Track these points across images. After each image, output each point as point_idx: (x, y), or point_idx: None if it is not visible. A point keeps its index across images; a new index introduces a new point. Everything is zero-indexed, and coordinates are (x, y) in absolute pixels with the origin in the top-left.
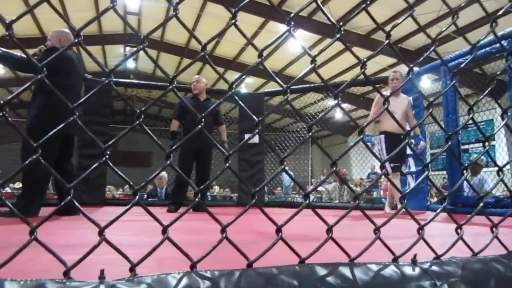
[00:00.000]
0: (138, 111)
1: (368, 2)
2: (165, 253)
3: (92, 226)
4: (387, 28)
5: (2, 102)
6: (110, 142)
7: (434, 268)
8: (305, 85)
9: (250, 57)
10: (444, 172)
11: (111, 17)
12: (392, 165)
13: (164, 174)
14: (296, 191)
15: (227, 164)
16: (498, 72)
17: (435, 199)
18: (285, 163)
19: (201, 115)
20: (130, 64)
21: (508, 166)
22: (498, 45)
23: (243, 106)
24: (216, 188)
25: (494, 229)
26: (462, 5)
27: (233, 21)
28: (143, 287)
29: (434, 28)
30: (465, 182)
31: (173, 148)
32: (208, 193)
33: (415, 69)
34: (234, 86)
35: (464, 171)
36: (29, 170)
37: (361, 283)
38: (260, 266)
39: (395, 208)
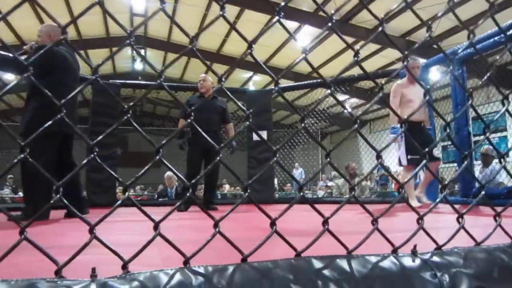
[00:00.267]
0: (126, 106)
1: None
2: (168, 251)
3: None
4: (394, 22)
5: None
6: (98, 138)
7: (435, 258)
8: (311, 81)
9: (257, 55)
10: (456, 164)
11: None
12: (409, 156)
13: (172, 174)
14: (307, 187)
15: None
16: (497, 57)
17: (446, 191)
18: (277, 155)
19: (208, 113)
20: (138, 65)
21: None
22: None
23: (234, 99)
24: (227, 186)
25: (497, 218)
26: None
27: (221, 12)
28: (135, 284)
29: (443, 20)
30: (479, 174)
31: (163, 143)
32: (218, 192)
33: (423, 61)
34: (223, 79)
35: (464, 160)
36: (28, 174)
37: (358, 275)
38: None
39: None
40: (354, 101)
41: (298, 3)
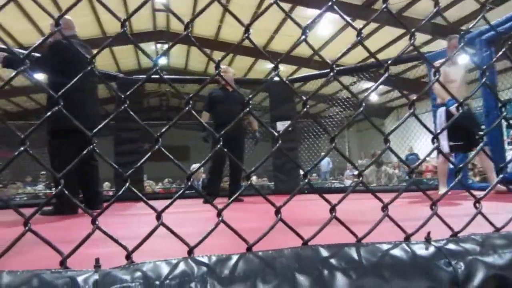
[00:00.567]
0: (122, 96)
1: None
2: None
3: (127, 220)
4: (419, 4)
5: None
6: (96, 129)
7: (450, 246)
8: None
9: (279, 45)
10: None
11: (141, 15)
12: (451, 143)
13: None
14: (334, 177)
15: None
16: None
17: (478, 178)
18: (280, 141)
19: (230, 105)
20: (162, 60)
21: None
22: None
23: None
24: (254, 178)
25: None
26: None
27: None
28: (138, 274)
29: (470, 2)
30: None
31: (162, 132)
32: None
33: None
34: (220, 64)
35: (481, 140)
36: (54, 169)
37: (367, 263)
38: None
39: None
40: (381, 87)
41: None
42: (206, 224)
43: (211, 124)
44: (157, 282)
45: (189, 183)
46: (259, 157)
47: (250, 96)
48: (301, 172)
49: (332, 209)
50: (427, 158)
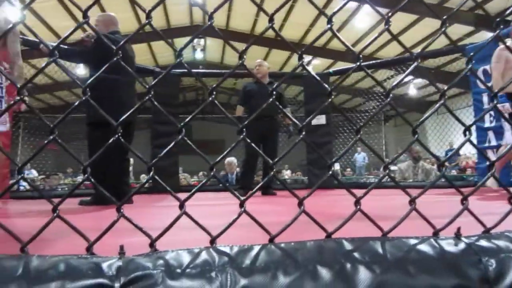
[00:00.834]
0: (147, 86)
1: None
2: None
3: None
4: None
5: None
6: (120, 119)
7: (481, 242)
8: (375, 61)
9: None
10: None
11: (178, 10)
12: None
13: (233, 159)
14: (370, 172)
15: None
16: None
17: None
18: (303, 132)
19: (264, 99)
20: (198, 54)
21: None
22: None
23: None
24: (288, 172)
25: None
26: None
27: None
28: (160, 262)
29: None
30: None
31: (186, 121)
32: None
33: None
34: (243, 55)
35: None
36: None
37: (391, 258)
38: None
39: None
40: (419, 81)
41: None
42: (232, 217)
43: (246, 118)
44: (179, 270)
45: (212, 173)
46: (293, 151)
47: (274, 86)
48: (337, 166)
49: (357, 202)
50: (468, 155)
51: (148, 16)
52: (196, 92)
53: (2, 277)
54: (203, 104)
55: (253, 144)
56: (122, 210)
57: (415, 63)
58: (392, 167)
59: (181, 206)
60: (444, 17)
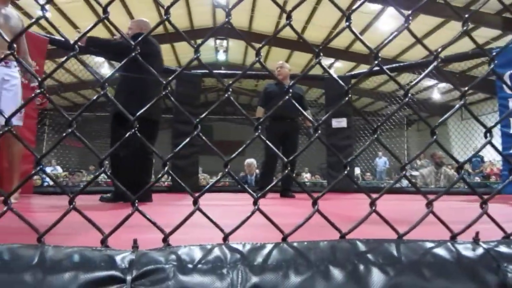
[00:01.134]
0: (164, 82)
1: None
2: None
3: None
4: None
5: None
6: (137, 114)
7: (501, 248)
8: (396, 64)
9: (337, 41)
10: None
11: (201, 11)
12: None
13: (253, 161)
14: (391, 177)
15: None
16: None
17: None
18: (319, 131)
19: (285, 100)
20: (221, 56)
21: None
22: None
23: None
24: (308, 175)
25: None
26: None
27: None
28: (172, 257)
29: None
30: None
31: (202, 117)
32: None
33: None
34: (260, 52)
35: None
36: (111, 158)
37: (405, 261)
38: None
39: None
40: (443, 85)
41: None
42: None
43: (266, 118)
44: (190, 266)
45: (226, 170)
46: (313, 154)
47: (290, 84)
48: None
49: (372, 203)
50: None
51: (167, 12)
52: (218, 93)
53: (19, 265)
54: (219, 101)
55: (269, 143)
56: (136, 204)
57: (435, 62)
58: (414, 173)
59: (195, 202)
60: (466, 15)
